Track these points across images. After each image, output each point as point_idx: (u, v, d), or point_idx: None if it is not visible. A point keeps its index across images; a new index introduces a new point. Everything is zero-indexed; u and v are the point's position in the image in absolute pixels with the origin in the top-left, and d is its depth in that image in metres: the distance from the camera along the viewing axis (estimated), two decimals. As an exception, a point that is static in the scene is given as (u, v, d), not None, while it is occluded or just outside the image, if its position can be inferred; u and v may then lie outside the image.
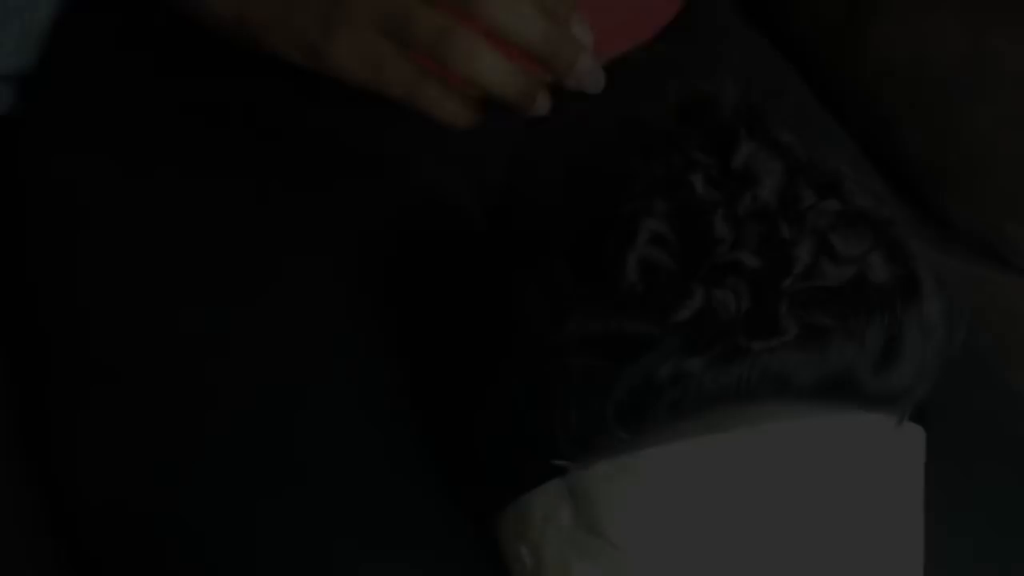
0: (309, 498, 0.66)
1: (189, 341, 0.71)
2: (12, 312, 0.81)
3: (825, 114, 0.96)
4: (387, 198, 0.81)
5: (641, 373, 0.51)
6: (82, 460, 0.73)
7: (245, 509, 0.65)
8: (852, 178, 0.58)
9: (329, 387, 0.70)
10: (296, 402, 0.69)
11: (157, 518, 0.68)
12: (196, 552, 0.66)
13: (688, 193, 0.52)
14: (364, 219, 0.79)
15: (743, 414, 0.52)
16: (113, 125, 0.81)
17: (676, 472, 0.53)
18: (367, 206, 0.79)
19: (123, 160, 0.79)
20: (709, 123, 0.54)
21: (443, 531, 0.67)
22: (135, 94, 0.81)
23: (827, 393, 0.53)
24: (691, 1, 0.98)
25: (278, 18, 0.67)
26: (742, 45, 0.98)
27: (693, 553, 0.53)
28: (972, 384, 0.77)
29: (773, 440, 0.52)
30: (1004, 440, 0.75)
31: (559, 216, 0.58)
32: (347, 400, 0.70)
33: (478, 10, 0.62)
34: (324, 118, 0.81)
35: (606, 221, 0.54)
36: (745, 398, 0.52)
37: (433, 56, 0.63)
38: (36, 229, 0.82)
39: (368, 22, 0.63)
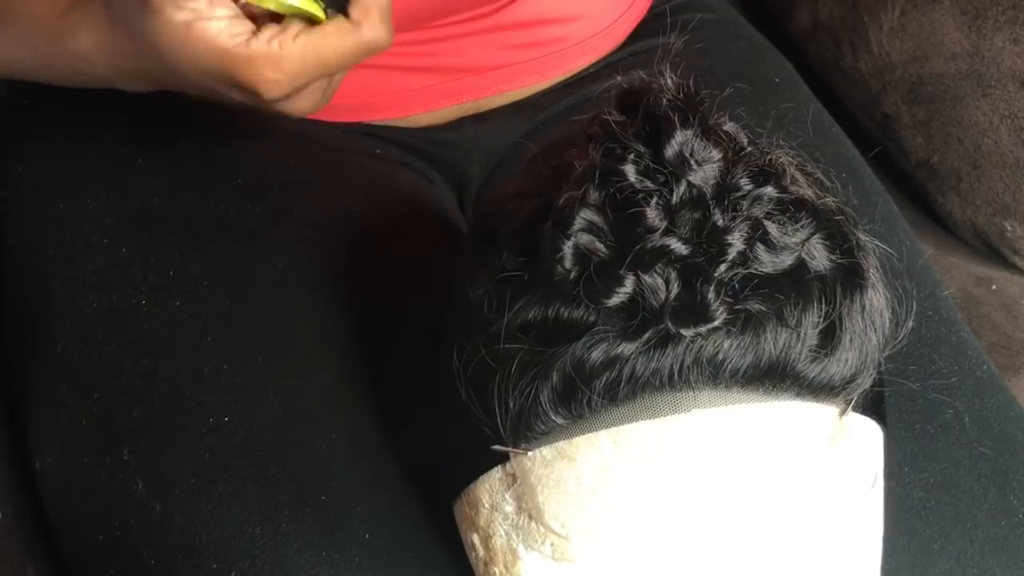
0: (267, 491, 0.67)
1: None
2: None
3: (824, 113, 0.96)
4: (374, 202, 0.82)
5: (574, 358, 0.52)
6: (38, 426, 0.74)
7: (202, 497, 0.66)
8: (802, 168, 0.58)
9: (291, 383, 0.71)
10: (258, 398, 0.70)
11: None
12: (149, 538, 0.67)
13: (621, 182, 0.53)
14: (350, 221, 0.80)
15: (678, 400, 0.53)
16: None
17: (612, 458, 0.53)
18: (354, 209, 0.81)
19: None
20: (645, 113, 0.54)
21: (407, 525, 0.68)
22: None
23: (762, 379, 0.53)
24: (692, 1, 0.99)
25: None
26: (742, 43, 0.98)
27: (633, 539, 0.54)
28: (958, 385, 0.76)
29: (707, 425, 0.53)
30: (986, 440, 0.75)
31: (507, 207, 0.58)
32: (311, 396, 0.71)
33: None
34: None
35: (544, 210, 0.54)
36: (679, 383, 0.52)
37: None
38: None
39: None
